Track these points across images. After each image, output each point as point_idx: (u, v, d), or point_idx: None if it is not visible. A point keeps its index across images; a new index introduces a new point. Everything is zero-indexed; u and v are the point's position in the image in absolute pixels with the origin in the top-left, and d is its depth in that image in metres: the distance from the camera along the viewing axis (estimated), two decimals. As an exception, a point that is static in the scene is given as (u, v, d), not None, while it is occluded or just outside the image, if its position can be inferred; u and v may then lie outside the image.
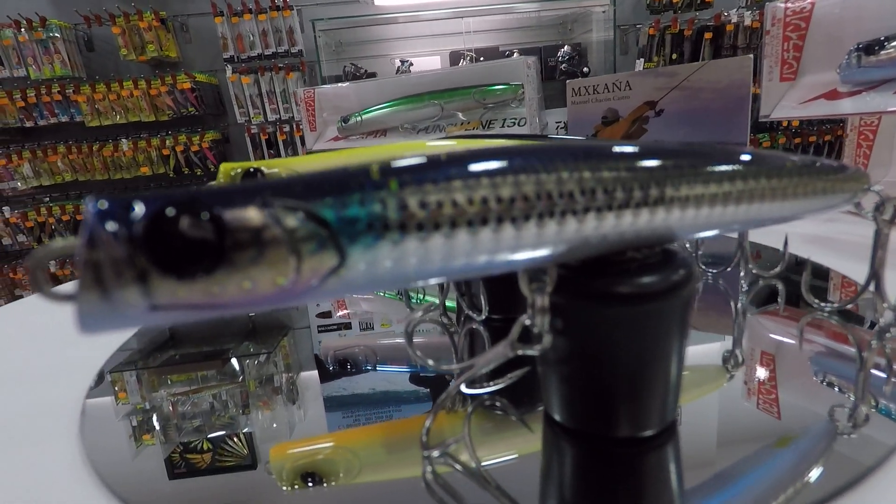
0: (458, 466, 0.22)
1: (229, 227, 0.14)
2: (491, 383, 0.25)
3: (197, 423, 0.32)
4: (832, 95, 0.46)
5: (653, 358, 0.22)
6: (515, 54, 2.75)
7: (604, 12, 2.59)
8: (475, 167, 0.17)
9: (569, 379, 0.23)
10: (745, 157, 0.23)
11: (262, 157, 2.82)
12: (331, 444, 0.28)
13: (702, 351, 0.35)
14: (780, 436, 0.26)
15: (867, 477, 0.21)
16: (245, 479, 0.26)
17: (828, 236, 0.50)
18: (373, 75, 2.82)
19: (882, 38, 0.43)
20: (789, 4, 0.47)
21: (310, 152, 0.90)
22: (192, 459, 0.28)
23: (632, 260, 0.21)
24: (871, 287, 0.30)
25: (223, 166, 0.32)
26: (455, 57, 2.77)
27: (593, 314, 0.21)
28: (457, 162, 0.17)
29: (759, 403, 0.28)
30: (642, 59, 2.43)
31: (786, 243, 0.41)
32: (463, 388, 0.23)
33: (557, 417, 0.24)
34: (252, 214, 0.14)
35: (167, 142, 2.68)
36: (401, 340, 0.41)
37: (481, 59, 2.74)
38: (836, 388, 0.28)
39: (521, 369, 0.23)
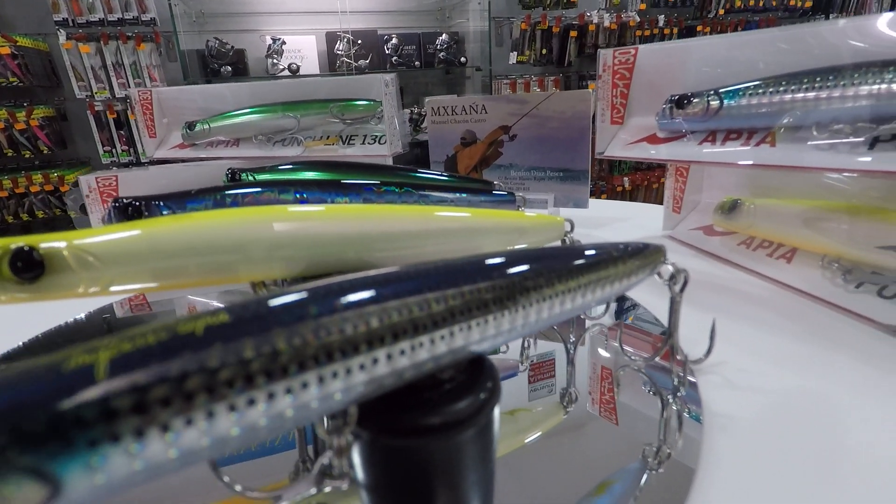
0: None
1: None
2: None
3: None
4: (652, 140, 0.51)
5: (473, 475, 0.22)
6: (394, 39, 2.69)
7: (479, 3, 2.62)
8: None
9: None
10: (525, 267, 0.24)
11: (111, 138, 2.48)
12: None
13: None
14: (598, 482, 0.28)
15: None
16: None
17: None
18: (241, 52, 2.59)
19: (689, 94, 0.48)
20: (617, 54, 0.51)
21: (151, 161, 0.81)
22: None
23: (442, 382, 0.21)
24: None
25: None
26: (332, 38, 2.64)
27: (405, 449, 0.21)
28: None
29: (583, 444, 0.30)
30: (515, 52, 2.52)
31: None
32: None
33: None
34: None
35: (-18, 119, 2.25)
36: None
37: (359, 42, 2.64)
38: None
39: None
